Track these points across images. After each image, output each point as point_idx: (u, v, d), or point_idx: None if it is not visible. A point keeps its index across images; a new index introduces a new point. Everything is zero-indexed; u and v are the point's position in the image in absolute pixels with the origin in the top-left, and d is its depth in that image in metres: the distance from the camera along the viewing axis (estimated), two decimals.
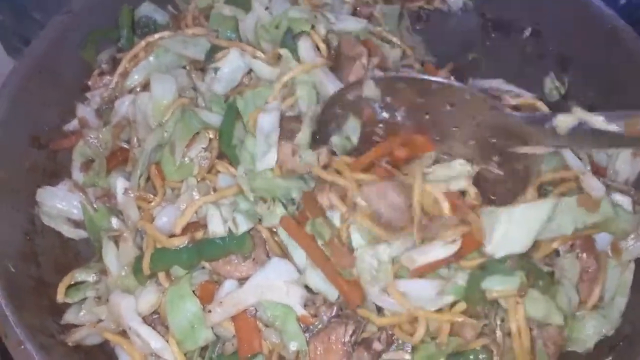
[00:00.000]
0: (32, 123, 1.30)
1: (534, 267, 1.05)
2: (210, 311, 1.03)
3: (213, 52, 1.30)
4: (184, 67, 1.33)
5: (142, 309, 1.08)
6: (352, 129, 1.18)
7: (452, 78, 1.39)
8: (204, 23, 1.42)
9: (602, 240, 1.13)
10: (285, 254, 1.10)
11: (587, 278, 1.11)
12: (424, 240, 1.03)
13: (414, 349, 1.05)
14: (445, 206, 1.04)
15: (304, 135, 1.14)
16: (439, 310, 1.03)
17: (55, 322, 1.14)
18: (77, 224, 1.27)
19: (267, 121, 1.14)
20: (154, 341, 1.04)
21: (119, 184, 1.20)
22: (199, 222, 1.10)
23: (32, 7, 1.68)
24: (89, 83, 1.40)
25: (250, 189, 1.11)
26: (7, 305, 1.05)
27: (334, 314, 1.04)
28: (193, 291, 1.07)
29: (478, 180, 1.10)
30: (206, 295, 1.07)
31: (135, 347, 1.07)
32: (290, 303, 1.03)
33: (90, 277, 1.17)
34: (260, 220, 1.10)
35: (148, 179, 1.21)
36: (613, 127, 0.93)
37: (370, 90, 1.14)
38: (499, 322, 1.05)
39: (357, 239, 1.04)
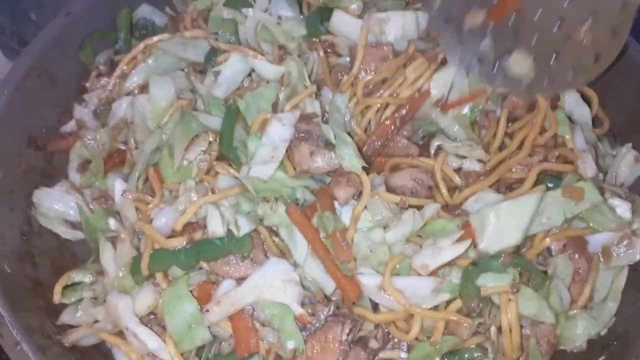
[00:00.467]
0: (29, 124, 1.30)
1: (528, 264, 1.07)
2: (207, 311, 1.03)
3: (212, 54, 1.30)
4: (183, 70, 1.33)
5: (139, 309, 1.08)
6: None
7: None
8: (202, 25, 1.42)
9: (594, 243, 1.15)
10: (283, 254, 1.10)
11: (578, 279, 1.12)
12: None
13: (410, 347, 1.06)
14: (457, 179, 1.17)
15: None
16: (435, 308, 1.05)
17: (52, 323, 1.13)
18: (73, 225, 1.27)
19: (279, 132, 1.11)
20: (152, 341, 1.05)
21: (117, 185, 1.20)
22: (198, 222, 1.10)
23: (29, 9, 1.68)
24: (87, 84, 1.40)
25: (255, 189, 1.10)
26: (4, 305, 1.05)
27: (330, 312, 1.04)
28: (190, 291, 1.07)
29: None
30: (204, 296, 1.07)
31: (132, 348, 1.07)
32: (288, 302, 1.03)
33: (87, 278, 1.17)
34: (261, 221, 1.10)
35: (146, 180, 1.21)
36: None
37: None
38: (493, 317, 1.07)
39: (364, 220, 1.07)
